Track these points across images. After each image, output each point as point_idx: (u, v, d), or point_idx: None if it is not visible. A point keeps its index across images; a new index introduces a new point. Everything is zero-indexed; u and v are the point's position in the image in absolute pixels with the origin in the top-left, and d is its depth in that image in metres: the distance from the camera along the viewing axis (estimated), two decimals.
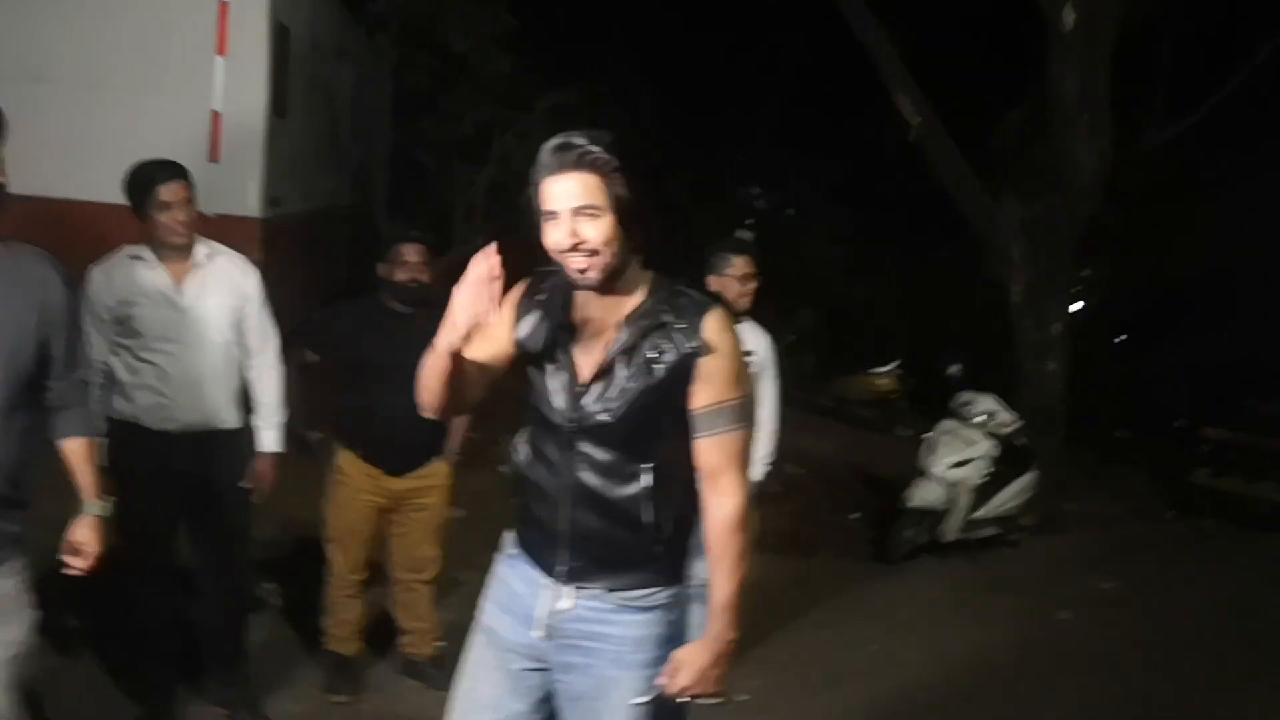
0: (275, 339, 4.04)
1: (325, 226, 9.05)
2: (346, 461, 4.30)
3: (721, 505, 2.41)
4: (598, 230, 2.28)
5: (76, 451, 2.87)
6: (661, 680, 2.43)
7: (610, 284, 2.35)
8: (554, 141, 2.31)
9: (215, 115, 6.46)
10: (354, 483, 4.28)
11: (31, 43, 6.39)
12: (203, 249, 3.81)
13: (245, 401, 4.02)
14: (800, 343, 12.39)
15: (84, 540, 2.82)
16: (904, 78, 9.48)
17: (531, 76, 10.85)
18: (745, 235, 13.45)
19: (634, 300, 2.39)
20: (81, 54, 6.48)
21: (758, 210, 15.46)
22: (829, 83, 14.72)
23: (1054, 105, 9.02)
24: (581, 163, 2.26)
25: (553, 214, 2.30)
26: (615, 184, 2.27)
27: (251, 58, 6.56)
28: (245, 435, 4.01)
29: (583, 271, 2.31)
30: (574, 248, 2.29)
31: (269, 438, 4.04)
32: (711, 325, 2.35)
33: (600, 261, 2.30)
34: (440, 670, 4.37)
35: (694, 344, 2.33)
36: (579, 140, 2.28)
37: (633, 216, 2.30)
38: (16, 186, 6.39)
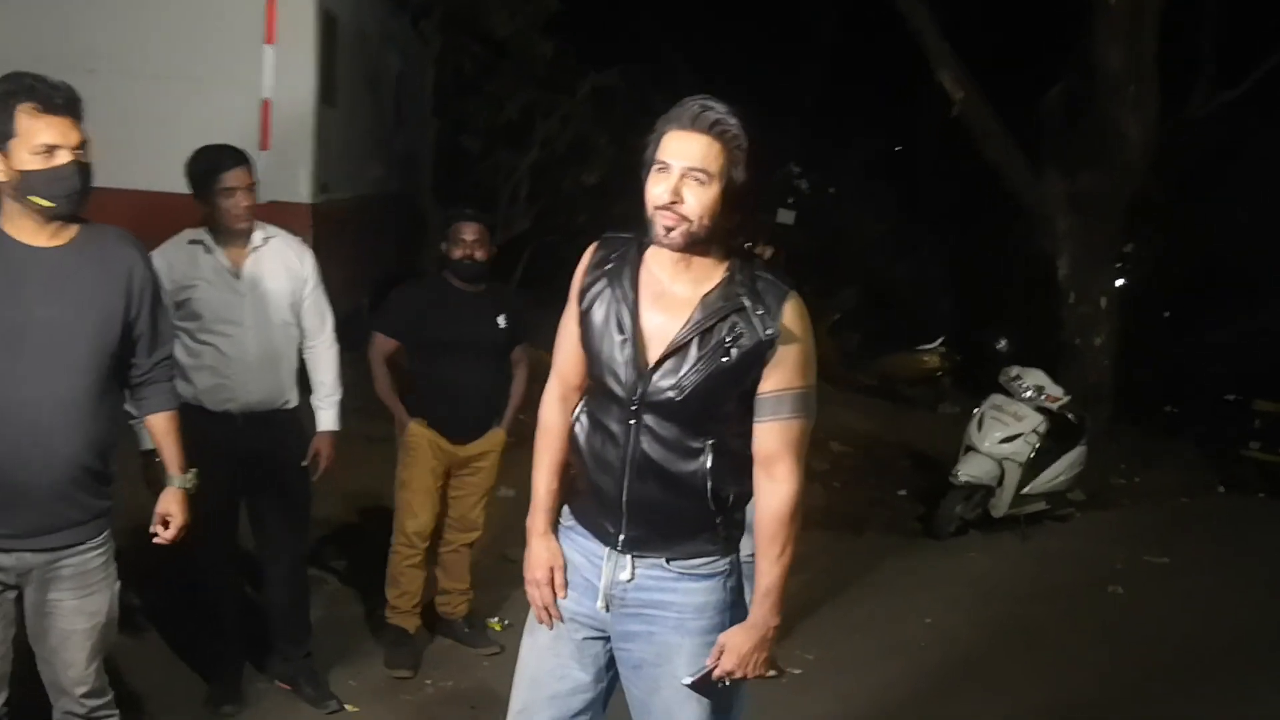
0: (331, 319, 4.12)
1: (373, 212, 9.14)
2: (416, 427, 4.47)
3: (775, 492, 2.42)
4: (699, 197, 2.30)
5: (162, 426, 2.98)
6: (709, 662, 2.45)
7: (689, 257, 2.37)
8: (694, 100, 2.33)
9: (265, 104, 6.54)
10: (423, 446, 4.45)
11: (81, 34, 6.47)
12: (260, 232, 3.87)
13: (304, 381, 4.10)
14: (845, 321, 12.38)
15: (171, 512, 2.93)
16: (946, 52, 9.45)
17: (572, 60, 10.87)
18: (787, 215, 13.45)
19: (712, 280, 2.40)
20: (131, 45, 6.56)
21: (799, 190, 15.38)
22: (870, 59, 14.65)
23: (1099, 78, 8.97)
24: (713, 129, 2.29)
25: (664, 166, 2.32)
26: (734, 162, 2.30)
27: (300, 46, 6.63)
28: (304, 414, 4.09)
29: (669, 230, 2.32)
30: (670, 205, 2.30)
31: (326, 417, 4.12)
32: (790, 312, 2.37)
33: (688, 228, 2.31)
34: (473, 629, 4.76)
35: (771, 330, 2.34)
36: (718, 107, 2.31)
37: (736, 199, 2.32)
38: None
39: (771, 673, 4.74)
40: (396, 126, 10.16)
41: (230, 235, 3.80)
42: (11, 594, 2.78)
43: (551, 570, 2.57)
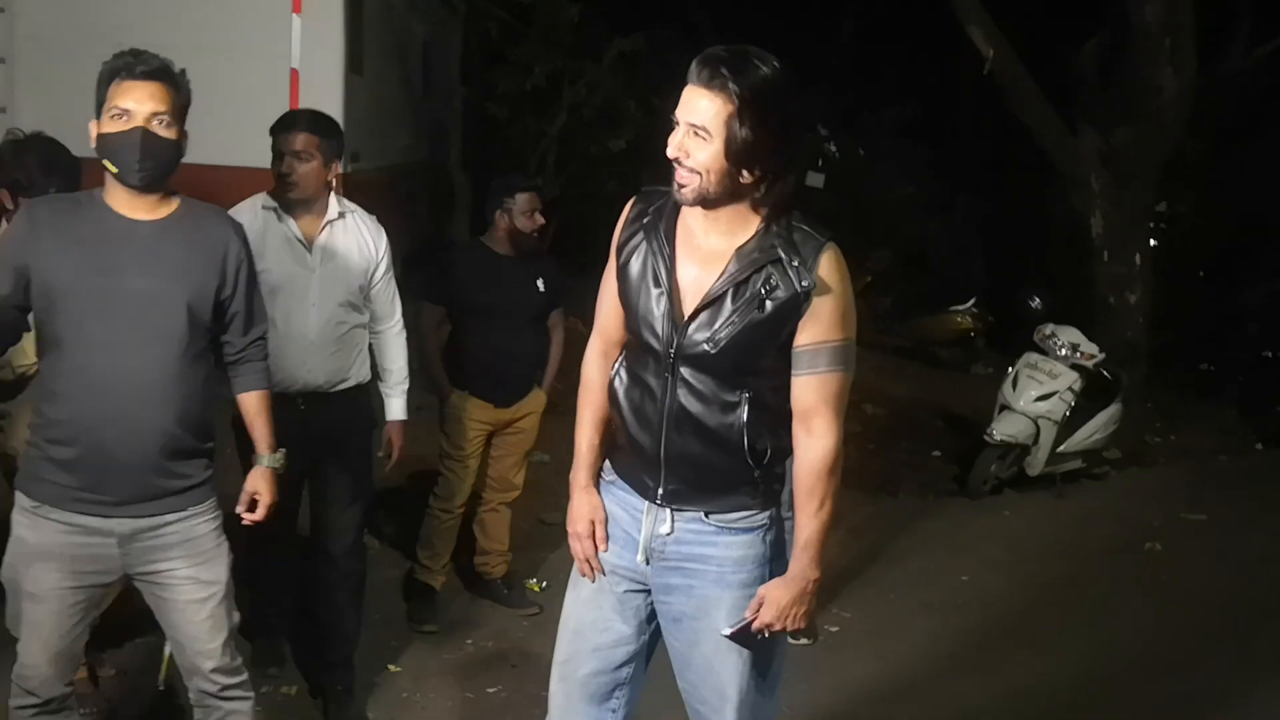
0: (400, 305, 3.99)
1: (402, 181, 9.15)
2: (457, 398, 4.56)
3: (812, 447, 2.40)
4: (700, 153, 2.27)
5: (254, 404, 2.98)
6: (748, 614, 2.45)
7: (714, 210, 2.35)
8: (707, 51, 2.29)
9: (294, 73, 6.54)
10: (463, 416, 4.54)
11: (109, 7, 6.51)
12: (335, 205, 3.72)
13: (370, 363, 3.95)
14: (877, 283, 12.31)
15: (259, 490, 2.94)
16: (976, 8, 9.32)
17: (599, 25, 10.81)
18: (817, 178, 13.35)
19: (747, 231, 2.37)
20: (159, 17, 6.55)
21: (829, 153, 15.26)
22: (899, 18, 14.48)
23: (1134, 31, 8.82)
24: (712, 83, 2.24)
25: (676, 122, 2.31)
26: (736, 118, 2.24)
27: (327, 15, 6.63)
28: (368, 393, 3.95)
29: (680, 187, 2.32)
30: (677, 160, 2.30)
31: (397, 405, 4.02)
32: (827, 263, 2.34)
33: (696, 183, 2.29)
34: (511, 590, 4.85)
35: (807, 282, 2.31)
36: (725, 62, 2.24)
37: (744, 156, 2.27)
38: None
39: (804, 640, 4.81)
40: (424, 95, 10.16)
41: (302, 205, 3.64)
42: (109, 578, 2.77)
43: (593, 523, 2.59)
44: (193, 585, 2.80)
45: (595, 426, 2.62)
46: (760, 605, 2.44)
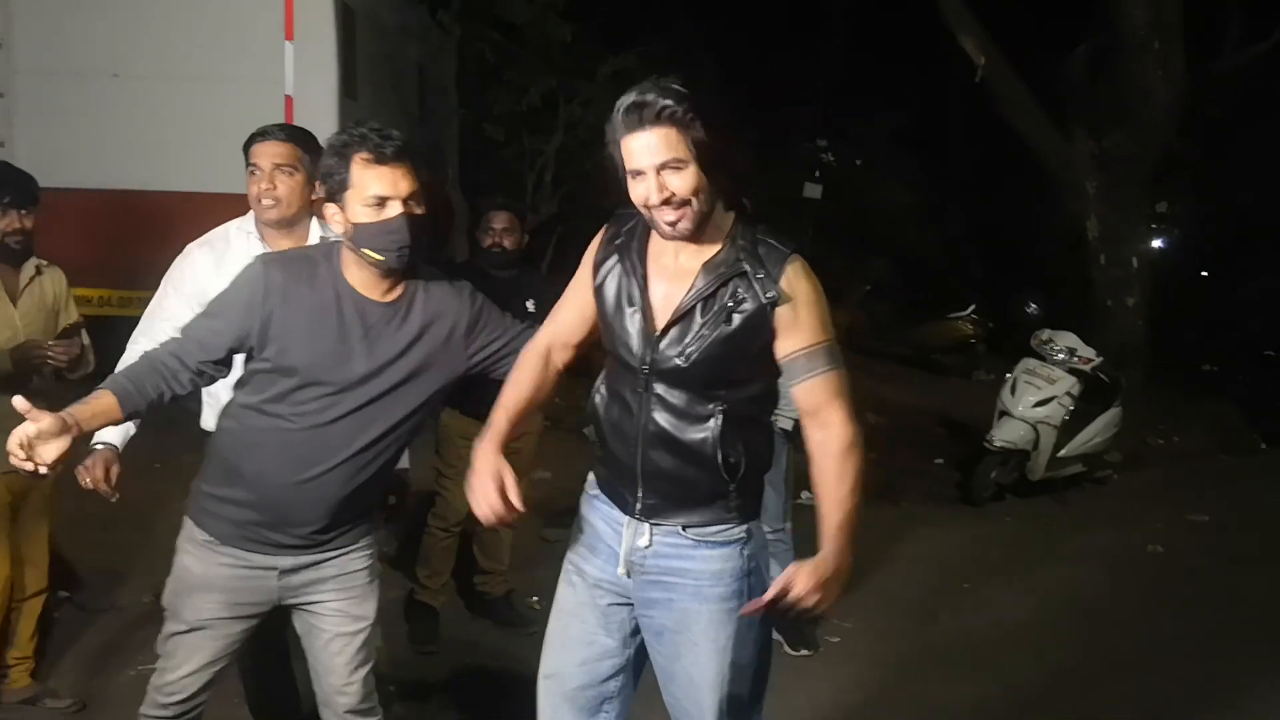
0: None
1: None
2: (448, 417, 4.54)
3: (828, 438, 2.40)
4: (685, 182, 2.30)
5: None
6: (772, 592, 2.33)
7: (696, 231, 2.37)
8: (627, 99, 2.31)
9: (288, 100, 6.60)
10: (457, 432, 4.49)
11: (104, 39, 6.60)
12: (317, 231, 3.39)
13: None
14: (876, 292, 12.35)
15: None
16: (967, 17, 9.38)
17: (592, 43, 10.90)
18: (814, 189, 13.40)
19: (714, 246, 2.41)
20: (153, 48, 6.67)
21: (826, 163, 15.32)
22: (893, 28, 14.55)
23: (1122, 35, 8.88)
24: (660, 118, 2.28)
25: (638, 172, 2.33)
26: (694, 131, 2.28)
27: (320, 41, 6.71)
28: None
29: (674, 224, 2.33)
30: (664, 202, 2.31)
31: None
32: (791, 274, 2.37)
33: (692, 212, 2.32)
34: (511, 609, 4.85)
35: (772, 294, 2.35)
36: (652, 95, 2.29)
37: (714, 161, 2.32)
38: (96, 179, 6.53)
39: (805, 651, 4.81)
40: (420, 118, 10.22)
41: (282, 228, 3.30)
42: (264, 608, 2.79)
43: (500, 474, 2.50)
44: (342, 618, 2.80)
45: (508, 409, 2.64)
46: (792, 579, 2.30)
